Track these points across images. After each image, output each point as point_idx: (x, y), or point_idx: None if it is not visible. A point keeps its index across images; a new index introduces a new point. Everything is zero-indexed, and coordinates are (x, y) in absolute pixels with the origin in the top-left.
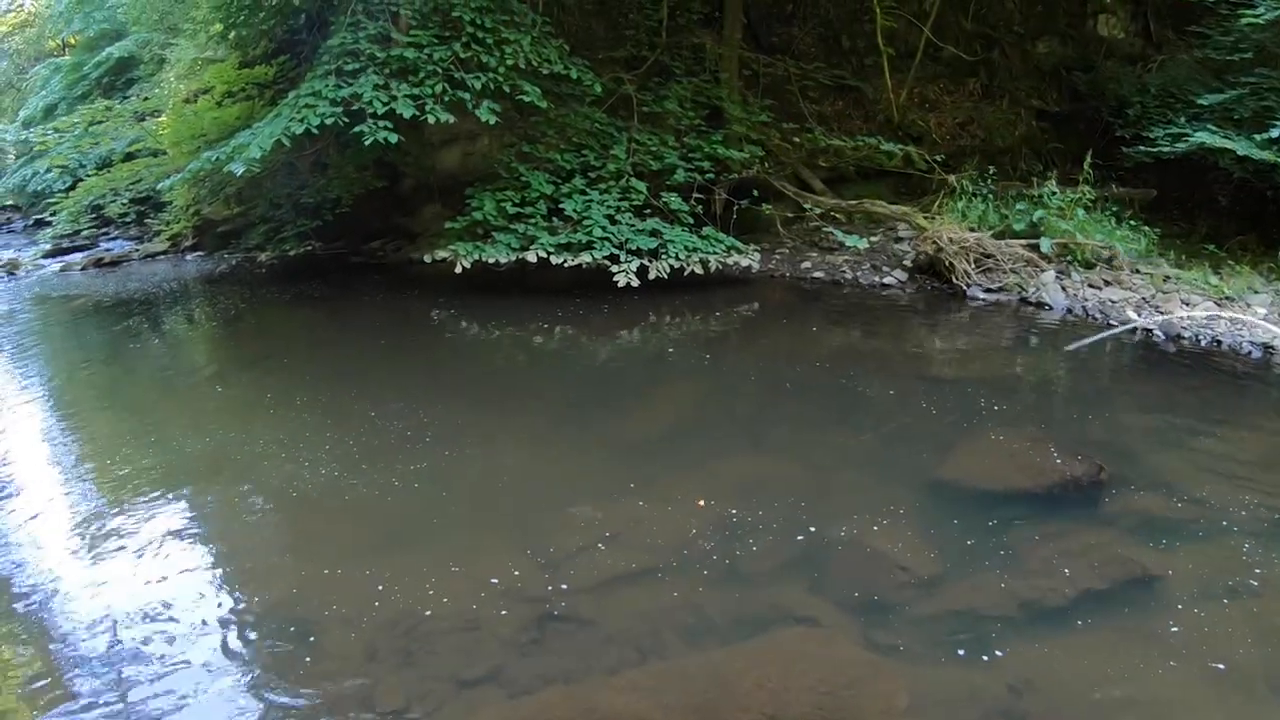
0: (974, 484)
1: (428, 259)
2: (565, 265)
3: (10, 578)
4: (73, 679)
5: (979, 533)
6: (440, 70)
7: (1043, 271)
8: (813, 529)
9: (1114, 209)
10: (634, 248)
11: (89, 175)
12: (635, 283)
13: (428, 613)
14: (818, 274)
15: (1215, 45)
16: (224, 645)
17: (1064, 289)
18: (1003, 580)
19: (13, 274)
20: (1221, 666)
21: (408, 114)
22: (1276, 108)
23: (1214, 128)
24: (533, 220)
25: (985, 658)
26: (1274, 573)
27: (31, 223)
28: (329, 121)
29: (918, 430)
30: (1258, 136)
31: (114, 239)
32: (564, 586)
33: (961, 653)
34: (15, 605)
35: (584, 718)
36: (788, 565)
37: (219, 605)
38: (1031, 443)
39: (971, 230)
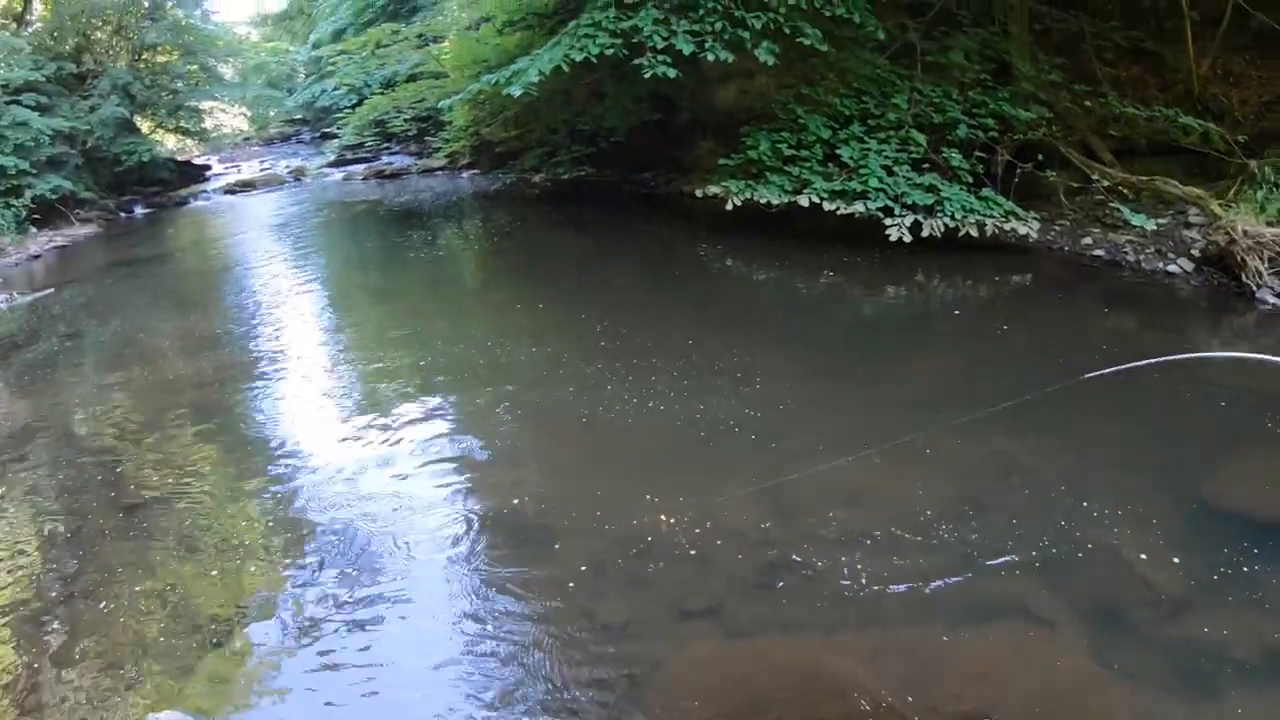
0: (1239, 507)
1: (699, 193)
2: (837, 213)
3: (278, 450)
4: (316, 549)
5: (1236, 561)
6: (720, 8)
7: None
8: (1059, 523)
9: None
10: (909, 202)
11: (373, 94)
12: (907, 238)
13: (661, 538)
14: (1098, 252)
15: None
16: (463, 537)
17: None
18: (1250, 618)
19: (300, 179)
20: None
21: (687, 50)
22: None
23: None
24: (808, 164)
25: (1214, 699)
26: None
27: (318, 135)
28: (608, 52)
29: (1189, 437)
30: None
31: (394, 153)
32: (797, 536)
33: (1190, 688)
34: (277, 472)
35: (800, 672)
36: (1029, 557)
37: (464, 499)
38: None
39: (1269, 225)
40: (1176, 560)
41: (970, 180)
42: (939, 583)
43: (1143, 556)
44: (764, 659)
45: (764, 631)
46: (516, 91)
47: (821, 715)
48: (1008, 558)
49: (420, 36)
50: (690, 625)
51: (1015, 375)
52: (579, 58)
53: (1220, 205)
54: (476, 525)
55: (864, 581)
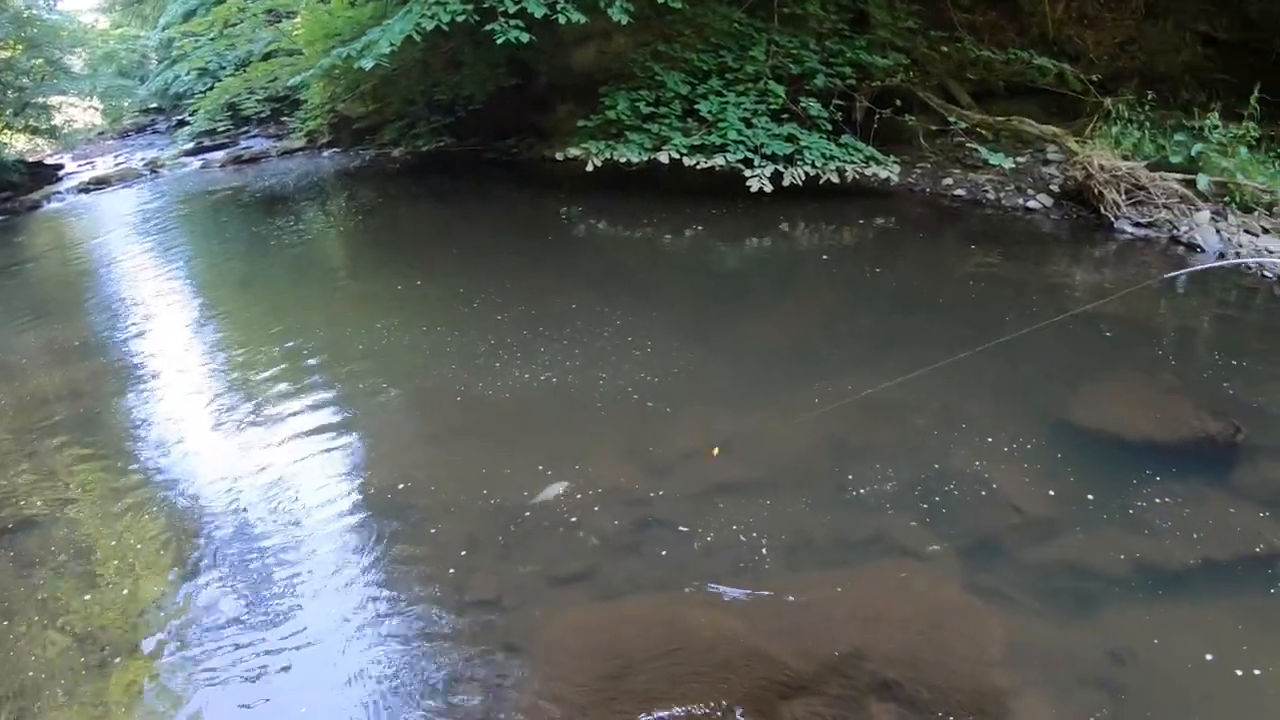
0: (1102, 428)
1: (560, 157)
2: (698, 167)
3: (158, 458)
4: (199, 543)
5: (1101, 481)
6: None
7: (1197, 210)
8: (931, 458)
9: None
10: (769, 152)
11: (228, 76)
12: (768, 188)
13: (530, 508)
14: (959, 192)
15: None
16: (336, 523)
17: (1218, 231)
18: (1120, 536)
19: (157, 172)
20: None
21: (539, 13)
22: None
23: None
24: (667, 120)
25: (1090, 617)
26: None
27: (174, 124)
28: (460, 19)
29: (1050, 365)
30: None
31: (253, 137)
32: (667, 492)
33: (1065, 608)
34: (159, 480)
35: (665, 628)
36: (900, 493)
37: (337, 486)
38: (1167, 392)
39: (1125, 159)
40: (1046, 485)
41: (829, 128)
42: (813, 528)
43: (1013, 484)
44: (636, 618)
45: (637, 591)
46: (369, 64)
47: (693, 668)
48: (881, 498)
49: (271, 12)
50: (561, 591)
51: (882, 317)
52: (430, 26)
53: (1077, 142)
54: (361, 516)
55: (737, 533)
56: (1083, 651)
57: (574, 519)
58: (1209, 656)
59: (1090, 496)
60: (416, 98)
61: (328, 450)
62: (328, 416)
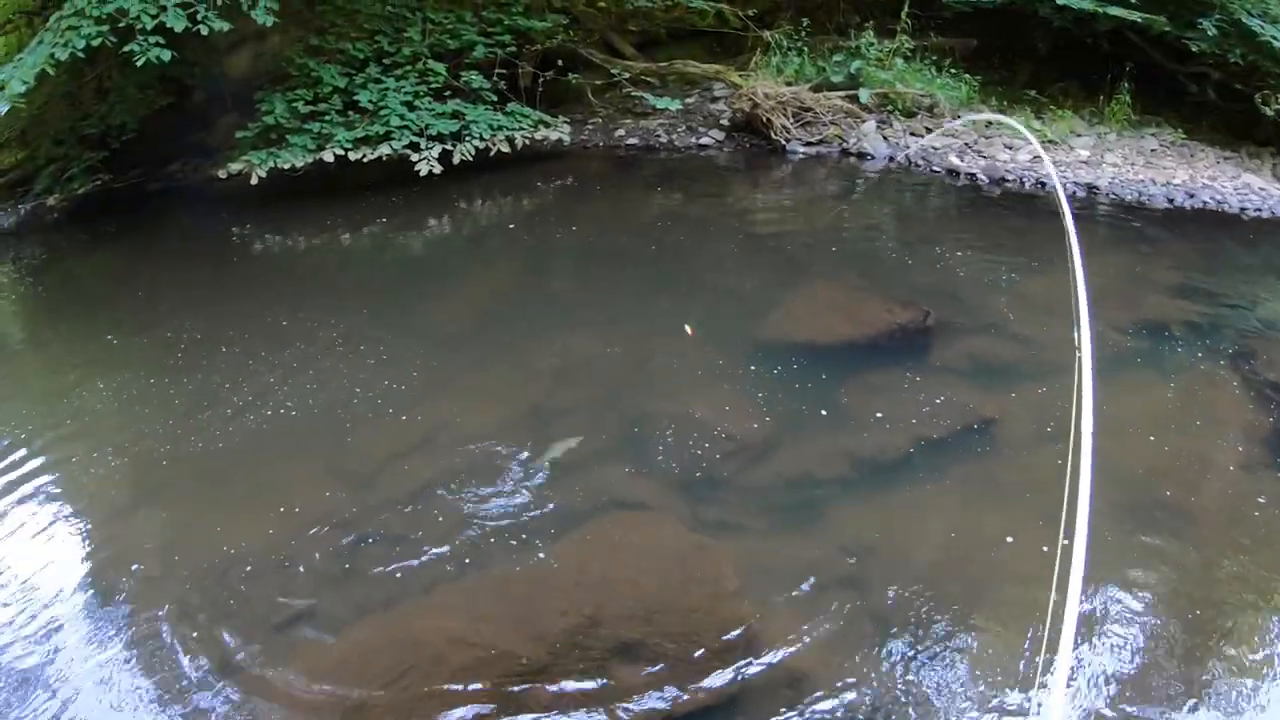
0: (801, 340)
1: (223, 174)
2: (365, 160)
3: None
4: None
5: (809, 391)
6: None
7: (863, 122)
8: (637, 407)
9: (933, 59)
10: (435, 133)
11: None
12: (438, 169)
13: (239, 558)
14: (632, 141)
15: None
16: (33, 619)
17: (885, 138)
18: (835, 439)
19: None
20: (1063, 511)
21: (179, 27)
22: None
23: None
24: (328, 117)
25: (821, 524)
26: (1104, 409)
27: None
28: (95, 43)
29: (742, 291)
30: None
31: None
32: (377, 504)
33: (795, 522)
34: None
35: (393, 650)
36: (610, 448)
37: (29, 576)
38: (857, 292)
39: (788, 85)
40: (755, 407)
41: (495, 98)
42: (528, 503)
43: (723, 414)
44: (362, 647)
45: (361, 617)
46: (3, 108)
47: (427, 684)
48: (592, 457)
49: None
50: (287, 638)
51: (570, 274)
52: (64, 55)
53: (740, 76)
54: (77, 616)
55: (452, 528)
56: (820, 558)
57: (286, 558)
58: (939, 529)
59: (801, 408)
60: (65, 136)
61: (33, 545)
62: (29, 504)
